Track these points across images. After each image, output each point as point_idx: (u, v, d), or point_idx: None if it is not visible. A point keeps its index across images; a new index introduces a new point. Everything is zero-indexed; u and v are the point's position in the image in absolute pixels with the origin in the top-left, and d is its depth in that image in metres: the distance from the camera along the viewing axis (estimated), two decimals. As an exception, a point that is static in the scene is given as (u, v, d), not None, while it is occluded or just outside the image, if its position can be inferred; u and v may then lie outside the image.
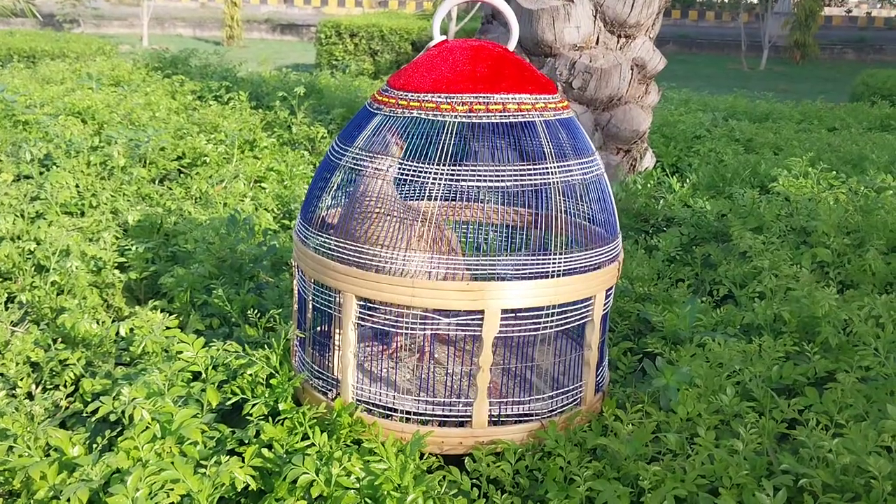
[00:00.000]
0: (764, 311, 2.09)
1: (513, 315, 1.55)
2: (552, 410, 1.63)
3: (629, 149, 3.77)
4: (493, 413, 1.58)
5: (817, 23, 16.57)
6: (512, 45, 1.67)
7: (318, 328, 1.74)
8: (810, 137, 4.90)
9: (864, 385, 1.71)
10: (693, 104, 6.48)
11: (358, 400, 1.60)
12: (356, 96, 5.58)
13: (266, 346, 1.71)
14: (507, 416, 1.60)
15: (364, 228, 1.54)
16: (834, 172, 3.37)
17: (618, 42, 3.60)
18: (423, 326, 1.55)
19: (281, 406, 1.58)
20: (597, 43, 3.56)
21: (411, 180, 1.53)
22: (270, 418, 1.54)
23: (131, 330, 1.91)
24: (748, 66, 15.47)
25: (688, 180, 3.63)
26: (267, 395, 1.60)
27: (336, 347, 1.65)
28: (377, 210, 1.55)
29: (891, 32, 19.83)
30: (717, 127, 5.18)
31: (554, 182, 1.54)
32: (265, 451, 1.44)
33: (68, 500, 1.30)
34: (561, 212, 1.54)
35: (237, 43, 16.27)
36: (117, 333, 1.94)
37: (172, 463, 1.33)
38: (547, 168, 1.53)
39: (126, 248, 2.55)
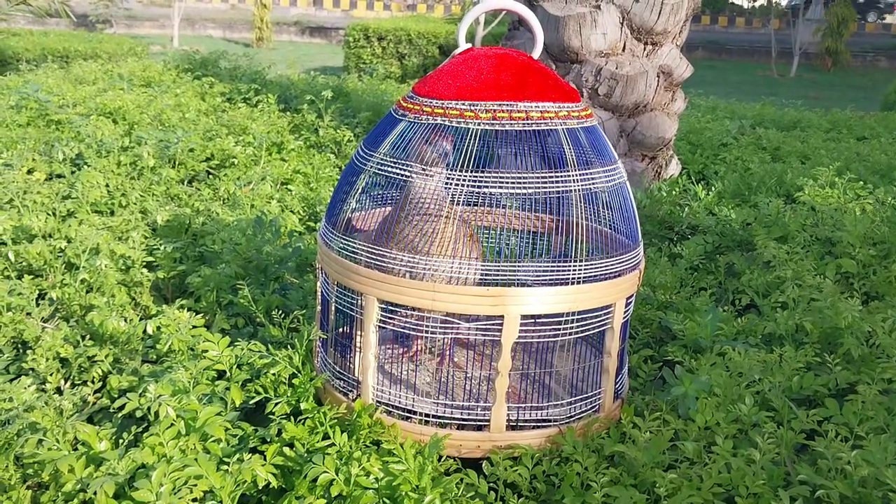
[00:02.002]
0: (786, 321, 2.08)
1: (532, 321, 1.56)
2: (570, 416, 1.64)
3: (654, 156, 3.76)
4: (511, 418, 1.59)
5: (850, 30, 16.39)
6: (536, 53, 1.69)
7: (341, 329, 1.76)
8: (838, 147, 4.86)
9: (886, 398, 1.70)
10: (720, 111, 6.44)
11: (378, 401, 1.62)
12: (383, 100, 5.62)
13: (289, 347, 1.73)
14: (526, 421, 1.62)
15: (413, 230, 1.56)
16: (861, 182, 3.34)
17: (644, 49, 3.60)
18: (443, 330, 1.57)
19: (303, 405, 1.60)
20: (623, 50, 3.56)
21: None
22: (292, 417, 1.57)
23: (158, 328, 1.95)
24: (778, 72, 15.34)
25: (713, 188, 3.62)
26: (289, 395, 1.62)
27: (357, 349, 1.67)
28: (427, 212, 1.57)
29: (925, 40, 19.55)
30: (744, 135, 5.15)
31: (576, 189, 1.55)
32: (286, 449, 1.47)
33: (95, 493, 1.33)
34: (582, 219, 1.55)
35: (266, 45, 16.43)
36: (144, 331, 1.98)
37: (196, 459, 1.36)
38: (569, 175, 1.54)
39: (154, 247, 2.60)
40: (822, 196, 3.16)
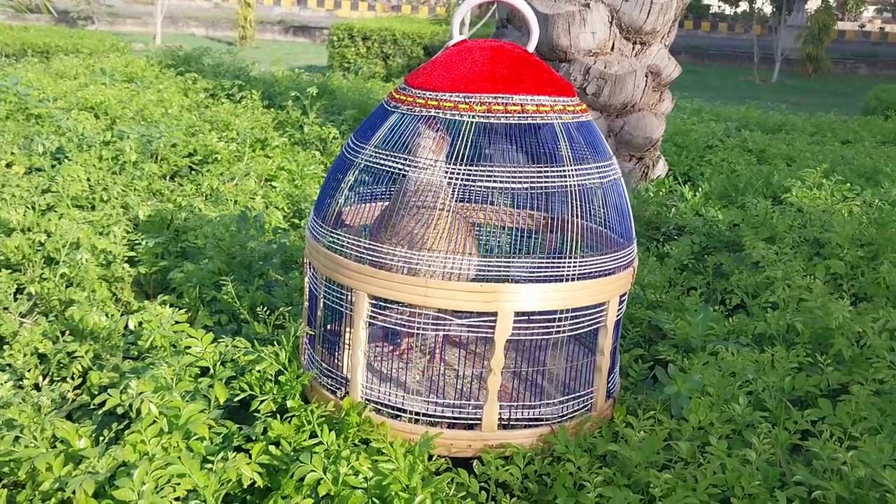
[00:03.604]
0: (776, 321, 2.07)
1: (525, 318, 1.53)
2: (562, 415, 1.61)
3: (642, 156, 3.75)
4: (502, 416, 1.56)
5: (830, 37, 16.54)
6: (531, 47, 1.66)
7: (329, 326, 1.73)
8: (823, 150, 4.88)
9: (879, 398, 1.69)
10: (706, 114, 6.46)
11: (367, 399, 1.58)
12: (368, 98, 5.58)
13: (275, 343, 1.69)
14: (517, 419, 1.59)
15: (408, 225, 1.52)
16: (848, 184, 3.34)
17: (633, 49, 3.59)
18: (434, 327, 1.54)
19: (289, 403, 1.56)
20: (612, 49, 3.55)
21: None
22: (278, 415, 1.53)
23: (140, 324, 1.90)
24: (760, 78, 15.44)
25: (700, 189, 3.61)
26: (275, 392, 1.58)
27: (346, 346, 1.63)
28: (423, 205, 1.53)
29: (904, 48, 19.78)
30: (729, 137, 5.16)
31: (570, 185, 1.52)
32: (272, 448, 1.43)
33: (73, 492, 1.29)
34: (576, 216, 1.53)
35: (250, 43, 16.32)
36: (126, 327, 1.93)
37: (179, 458, 1.32)
38: (564, 171, 1.52)
39: (136, 242, 2.55)
40: (810, 197, 3.15)
